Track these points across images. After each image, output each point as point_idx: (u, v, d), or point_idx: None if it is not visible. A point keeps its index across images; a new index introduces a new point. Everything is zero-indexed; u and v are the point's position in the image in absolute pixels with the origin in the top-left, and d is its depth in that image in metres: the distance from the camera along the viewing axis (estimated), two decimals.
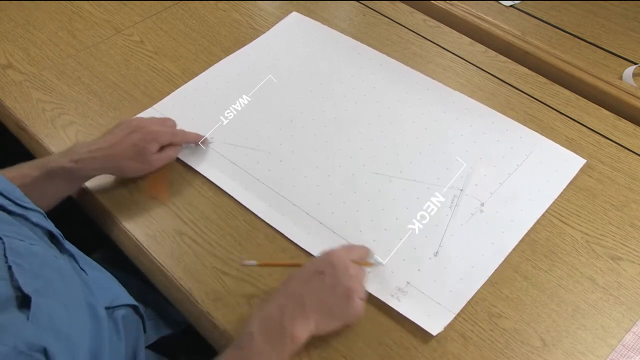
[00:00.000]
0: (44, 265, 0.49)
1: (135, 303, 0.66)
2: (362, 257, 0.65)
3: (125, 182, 0.75)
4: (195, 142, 0.78)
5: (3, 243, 0.45)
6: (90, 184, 0.75)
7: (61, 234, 0.58)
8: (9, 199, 0.53)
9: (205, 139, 0.79)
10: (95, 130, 0.81)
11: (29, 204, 0.56)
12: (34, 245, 0.49)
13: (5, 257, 0.45)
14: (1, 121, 0.85)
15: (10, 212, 0.51)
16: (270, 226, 0.71)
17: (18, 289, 0.44)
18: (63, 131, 0.81)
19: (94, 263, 0.67)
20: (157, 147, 0.72)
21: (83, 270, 0.59)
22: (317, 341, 0.61)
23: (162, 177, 0.76)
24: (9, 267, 0.44)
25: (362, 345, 0.61)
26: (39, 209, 0.57)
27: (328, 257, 0.60)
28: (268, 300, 0.59)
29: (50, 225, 0.57)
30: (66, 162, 0.68)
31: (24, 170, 0.67)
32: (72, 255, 0.58)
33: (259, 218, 0.72)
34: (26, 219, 0.53)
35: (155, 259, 0.68)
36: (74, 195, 0.75)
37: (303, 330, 0.56)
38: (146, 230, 0.71)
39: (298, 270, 0.61)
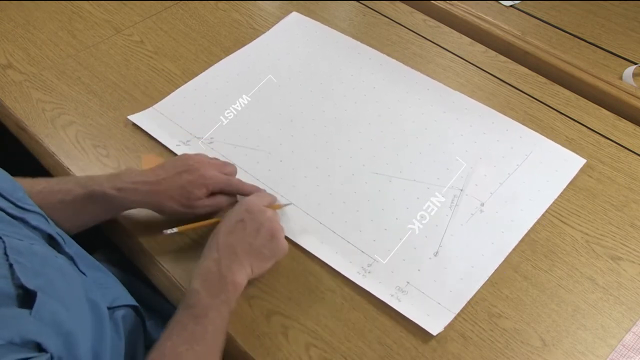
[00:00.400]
0: (45, 264, 0.49)
1: (136, 303, 0.66)
2: (271, 202, 0.69)
3: None
4: (249, 194, 0.70)
5: (3, 242, 0.45)
6: None
7: (62, 237, 0.58)
8: (10, 201, 0.53)
9: (260, 189, 0.72)
10: (95, 130, 0.81)
11: (31, 205, 0.56)
12: (34, 245, 0.49)
13: (6, 255, 0.45)
14: (1, 121, 0.85)
15: (9, 215, 0.51)
16: None
17: (20, 286, 0.44)
18: (63, 131, 0.81)
19: (96, 263, 0.67)
20: (205, 193, 0.68)
21: (82, 272, 0.59)
22: (317, 341, 0.61)
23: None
24: (10, 265, 0.44)
25: (362, 345, 0.61)
26: (40, 211, 0.56)
27: (244, 205, 0.64)
28: (202, 257, 0.62)
29: (51, 229, 0.56)
30: (109, 189, 0.65)
31: (69, 185, 0.65)
32: (71, 258, 0.58)
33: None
34: (25, 222, 0.53)
35: (155, 259, 0.68)
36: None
37: (241, 276, 0.61)
38: (147, 231, 0.70)
39: (220, 224, 0.63)
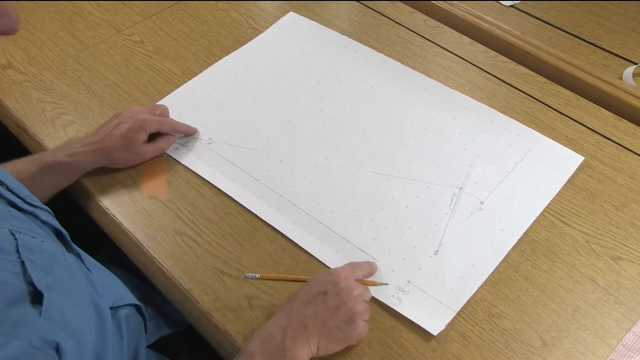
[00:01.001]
0: (54, 261, 0.49)
1: (138, 303, 0.66)
2: (368, 274, 0.64)
3: (125, 182, 0.75)
4: (186, 133, 0.79)
5: (16, 239, 0.46)
6: (90, 184, 0.75)
7: (63, 234, 0.58)
8: (19, 197, 0.53)
9: (196, 131, 0.80)
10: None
11: (37, 202, 0.56)
12: (44, 242, 0.50)
13: (18, 252, 0.45)
14: (1, 121, 0.85)
15: (20, 210, 0.52)
16: (270, 226, 0.71)
17: (31, 284, 0.44)
18: (63, 131, 0.81)
19: (98, 264, 0.67)
20: (145, 136, 0.74)
21: (88, 269, 0.60)
22: None
23: (159, 175, 0.76)
24: (22, 263, 0.44)
25: (362, 345, 0.61)
26: (46, 207, 0.58)
27: (332, 276, 0.59)
28: (271, 318, 0.58)
29: (58, 224, 0.57)
30: (62, 157, 0.70)
31: (19, 165, 0.69)
32: (78, 255, 0.59)
33: (259, 218, 0.72)
34: (36, 216, 0.54)
35: (156, 259, 0.68)
36: (78, 199, 0.75)
37: (304, 352, 0.55)
38: (146, 231, 0.71)
39: (301, 289, 0.59)
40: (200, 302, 0.65)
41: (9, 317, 0.41)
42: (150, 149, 0.75)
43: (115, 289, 0.67)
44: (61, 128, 0.81)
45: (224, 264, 0.68)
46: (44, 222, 0.54)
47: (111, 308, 0.60)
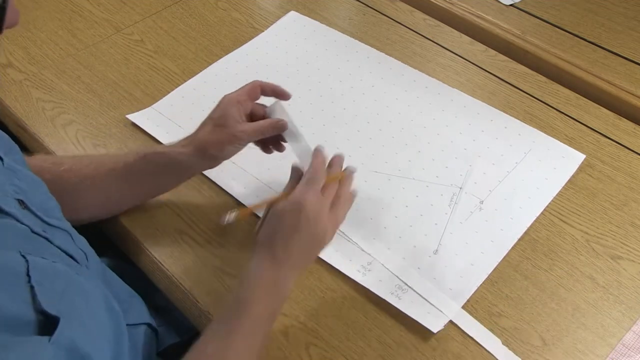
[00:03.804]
0: (68, 283, 0.47)
1: (152, 321, 0.65)
2: (325, 168, 0.63)
3: None
4: (280, 94, 0.70)
5: (27, 262, 0.44)
6: None
7: (85, 253, 0.56)
8: (37, 215, 0.51)
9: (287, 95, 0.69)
10: (95, 130, 0.81)
11: (58, 220, 0.54)
12: (57, 263, 0.48)
13: (28, 276, 0.43)
14: (1, 120, 0.85)
15: (34, 232, 0.49)
16: None
17: (41, 312, 0.42)
18: (63, 130, 0.81)
19: (116, 277, 0.66)
20: (238, 112, 0.64)
21: (106, 288, 0.57)
22: (317, 340, 0.61)
23: None
24: (32, 287, 0.43)
25: (362, 344, 0.61)
26: (67, 227, 0.55)
27: (302, 211, 0.58)
28: (257, 255, 0.59)
29: (73, 249, 0.54)
30: (160, 147, 0.68)
31: (119, 157, 0.67)
32: (93, 274, 0.56)
33: (259, 217, 0.72)
34: (49, 241, 0.51)
35: (156, 258, 0.68)
36: None
37: (292, 283, 0.59)
38: (146, 230, 0.71)
39: (276, 227, 0.59)
40: (200, 302, 0.65)
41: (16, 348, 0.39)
42: (247, 129, 0.64)
43: (132, 306, 0.66)
44: (61, 127, 0.81)
45: (224, 263, 0.68)
46: (57, 247, 0.51)
47: (128, 325, 0.59)
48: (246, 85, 0.68)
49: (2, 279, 0.42)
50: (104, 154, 0.71)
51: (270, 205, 0.62)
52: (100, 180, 0.66)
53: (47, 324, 0.42)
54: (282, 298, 0.59)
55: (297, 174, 0.65)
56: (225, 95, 0.66)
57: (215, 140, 0.64)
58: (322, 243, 0.61)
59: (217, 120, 0.65)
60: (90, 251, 0.58)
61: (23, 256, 0.44)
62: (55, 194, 0.58)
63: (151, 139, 0.80)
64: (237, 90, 0.67)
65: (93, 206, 0.68)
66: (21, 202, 0.50)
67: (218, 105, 0.66)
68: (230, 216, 0.62)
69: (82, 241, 0.58)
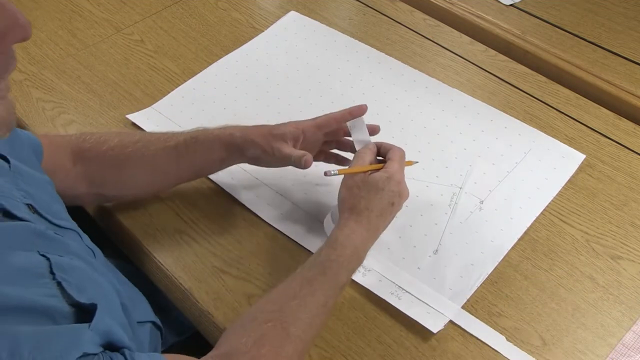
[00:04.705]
0: (87, 278, 0.48)
1: (157, 319, 0.66)
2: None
3: None
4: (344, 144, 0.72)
5: (48, 260, 0.45)
6: None
7: (93, 252, 0.57)
8: (45, 218, 0.52)
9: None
10: (95, 129, 0.81)
11: (65, 221, 0.55)
12: (73, 260, 0.49)
13: (52, 273, 0.44)
14: None
15: (47, 234, 0.50)
16: (270, 225, 0.71)
17: (73, 304, 0.43)
18: (63, 130, 0.81)
19: (123, 277, 0.66)
20: (289, 134, 0.65)
21: (117, 286, 0.58)
22: (317, 340, 0.61)
23: None
24: (59, 283, 0.44)
25: (362, 344, 0.61)
26: (74, 226, 0.56)
27: (399, 187, 0.63)
28: (349, 226, 0.60)
29: (83, 247, 0.56)
30: (210, 128, 0.67)
31: (170, 134, 0.68)
32: (106, 272, 0.57)
33: (259, 217, 0.72)
34: (62, 241, 0.51)
35: (155, 257, 0.68)
36: None
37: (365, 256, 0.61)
38: (146, 229, 0.71)
39: (375, 198, 0.61)
40: (200, 301, 0.65)
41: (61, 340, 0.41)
42: (287, 151, 0.64)
43: (139, 305, 0.66)
44: (61, 127, 0.81)
45: (224, 263, 0.68)
46: (70, 245, 0.52)
47: (137, 322, 0.59)
48: (318, 118, 0.69)
49: (28, 279, 0.43)
50: (151, 132, 0.71)
51: (364, 172, 0.64)
52: (148, 158, 0.67)
53: (82, 314, 0.44)
54: (360, 264, 0.61)
55: (367, 154, 0.66)
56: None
57: (258, 145, 0.65)
58: (393, 216, 0.64)
59: (270, 130, 0.66)
60: (96, 248, 0.59)
61: (43, 255, 0.45)
62: (98, 171, 0.63)
63: None
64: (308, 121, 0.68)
65: (138, 182, 0.69)
66: (30, 207, 0.51)
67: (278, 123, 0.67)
68: (334, 171, 0.64)
69: (88, 239, 0.58)
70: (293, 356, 0.52)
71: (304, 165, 0.63)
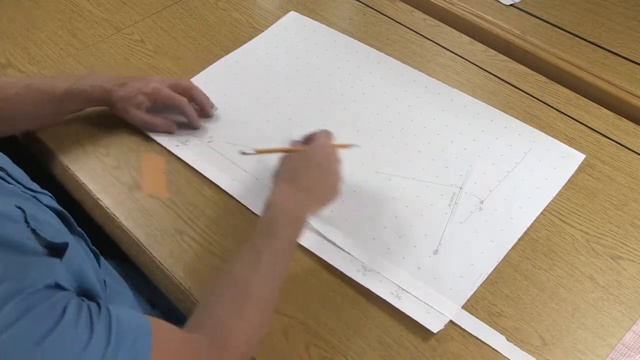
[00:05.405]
0: (61, 234, 0.51)
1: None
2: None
3: (124, 181, 0.75)
4: (188, 115, 0.79)
5: (23, 212, 0.47)
6: (90, 184, 0.75)
7: (69, 215, 0.59)
8: (20, 183, 0.55)
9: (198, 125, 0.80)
10: (95, 130, 0.81)
11: (37, 187, 0.57)
12: (50, 219, 0.51)
13: (27, 222, 0.46)
14: None
15: (23, 192, 0.53)
16: None
17: (47, 246, 0.46)
18: (63, 130, 0.81)
19: (108, 267, 0.67)
20: (143, 102, 0.76)
21: (92, 252, 0.62)
22: (317, 340, 0.61)
23: (159, 174, 0.76)
24: (33, 230, 0.46)
25: (362, 344, 0.61)
26: (47, 192, 0.59)
27: (324, 149, 0.67)
28: (279, 184, 0.65)
29: (59, 207, 0.58)
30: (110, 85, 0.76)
31: (51, 82, 0.75)
32: (82, 237, 0.60)
33: (259, 217, 0.72)
34: (38, 201, 0.54)
35: (155, 258, 0.68)
36: (78, 198, 0.75)
37: (307, 214, 0.64)
38: (146, 230, 0.71)
39: (301, 161, 0.66)
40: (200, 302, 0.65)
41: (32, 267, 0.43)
42: (141, 117, 0.77)
43: (121, 293, 0.66)
44: (61, 127, 0.81)
45: (224, 263, 0.68)
46: (46, 206, 0.55)
47: None
48: (180, 81, 0.80)
49: (3, 221, 0.45)
50: (34, 80, 0.77)
51: (287, 151, 0.69)
52: (29, 107, 0.74)
53: (55, 254, 0.46)
54: (302, 226, 0.63)
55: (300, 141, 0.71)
56: (153, 78, 0.78)
57: (118, 108, 0.77)
58: (334, 188, 0.66)
59: (130, 98, 0.76)
60: (69, 216, 0.60)
61: (19, 207, 0.47)
62: None
63: (151, 140, 0.79)
64: (162, 82, 0.78)
65: (15, 126, 0.78)
66: (3, 169, 0.54)
67: (141, 80, 0.77)
68: (249, 151, 0.68)
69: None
70: (255, 313, 0.55)
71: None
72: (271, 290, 0.57)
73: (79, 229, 0.60)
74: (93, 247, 0.63)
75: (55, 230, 0.51)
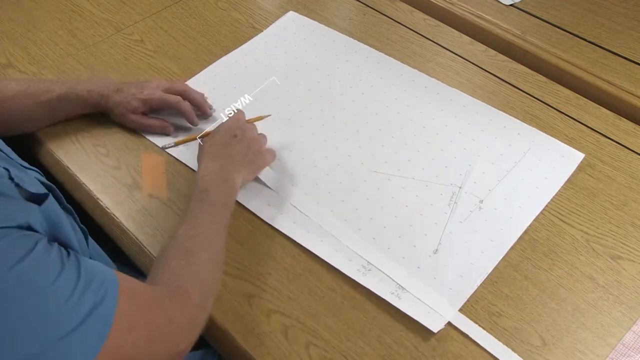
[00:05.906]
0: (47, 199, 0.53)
1: None
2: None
3: (125, 181, 0.75)
4: (185, 113, 0.80)
5: (8, 171, 0.49)
6: (90, 184, 0.75)
7: (57, 190, 0.60)
8: (10, 157, 0.56)
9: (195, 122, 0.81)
10: (95, 130, 0.81)
11: (26, 164, 0.60)
12: (37, 183, 0.54)
13: (11, 178, 0.48)
14: None
15: (11, 158, 0.56)
16: (270, 225, 0.71)
17: (30, 195, 0.49)
18: (63, 130, 0.81)
19: (97, 247, 0.68)
20: (139, 108, 0.78)
21: (81, 228, 0.63)
22: (317, 340, 0.61)
23: (159, 174, 0.76)
24: (17, 184, 0.48)
25: (362, 344, 0.61)
26: (35, 168, 0.61)
27: (235, 122, 0.74)
28: (202, 163, 0.69)
29: (47, 182, 0.60)
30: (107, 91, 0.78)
31: (45, 86, 0.77)
32: (70, 213, 0.61)
33: (259, 217, 0.72)
34: (26, 168, 0.57)
35: (155, 258, 0.68)
36: (78, 198, 0.75)
37: (238, 179, 0.70)
38: (146, 230, 0.71)
39: (216, 136, 0.72)
40: None
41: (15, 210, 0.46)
42: (138, 121, 0.79)
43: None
44: (61, 127, 0.81)
45: (223, 262, 0.67)
46: (34, 177, 0.57)
47: None
48: (174, 84, 0.81)
49: None
50: (29, 83, 0.77)
51: (203, 136, 0.78)
52: (24, 111, 0.76)
53: (36, 202, 0.49)
54: (232, 192, 0.68)
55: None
56: (149, 82, 0.80)
57: (116, 115, 0.79)
58: (259, 152, 0.73)
59: (125, 104, 0.78)
60: (57, 191, 0.62)
61: (5, 168, 0.50)
62: None
63: (150, 140, 0.79)
64: (158, 89, 0.79)
65: (9, 130, 0.77)
66: None
67: (137, 86, 0.79)
68: (169, 144, 0.78)
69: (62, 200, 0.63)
70: (202, 263, 0.60)
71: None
72: (212, 243, 0.63)
73: (67, 205, 0.61)
74: (82, 225, 0.64)
75: (39, 187, 0.53)
